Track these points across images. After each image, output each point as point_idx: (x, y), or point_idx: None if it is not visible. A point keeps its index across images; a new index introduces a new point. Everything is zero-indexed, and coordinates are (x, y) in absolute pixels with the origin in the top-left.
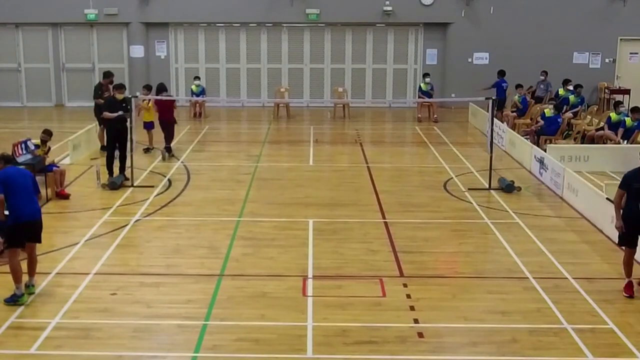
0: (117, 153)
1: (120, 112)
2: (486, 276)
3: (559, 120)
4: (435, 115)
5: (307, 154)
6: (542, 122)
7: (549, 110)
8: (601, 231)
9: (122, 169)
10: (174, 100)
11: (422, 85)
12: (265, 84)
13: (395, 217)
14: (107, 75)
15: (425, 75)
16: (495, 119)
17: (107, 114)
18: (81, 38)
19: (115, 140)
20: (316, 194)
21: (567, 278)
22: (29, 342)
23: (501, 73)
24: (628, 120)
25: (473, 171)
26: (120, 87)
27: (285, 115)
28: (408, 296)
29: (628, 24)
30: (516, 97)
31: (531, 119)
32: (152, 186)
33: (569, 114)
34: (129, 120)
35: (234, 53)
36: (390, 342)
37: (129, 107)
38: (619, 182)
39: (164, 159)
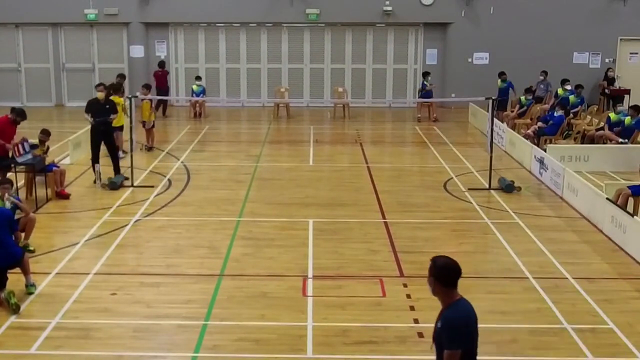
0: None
1: (91, 118)
2: (486, 276)
3: (562, 119)
4: (434, 115)
5: (307, 154)
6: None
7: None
8: (601, 231)
9: (117, 169)
10: (167, 72)
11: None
12: (265, 84)
13: (395, 217)
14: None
15: (425, 74)
16: (495, 119)
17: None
18: (81, 38)
19: (99, 143)
20: (316, 194)
21: (567, 278)
22: (29, 342)
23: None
24: (627, 119)
25: (473, 171)
26: (99, 86)
27: (285, 115)
28: (408, 296)
29: (628, 24)
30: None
31: (531, 119)
32: (152, 186)
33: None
34: (128, 120)
35: (234, 53)
36: (390, 342)
37: (108, 107)
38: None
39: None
